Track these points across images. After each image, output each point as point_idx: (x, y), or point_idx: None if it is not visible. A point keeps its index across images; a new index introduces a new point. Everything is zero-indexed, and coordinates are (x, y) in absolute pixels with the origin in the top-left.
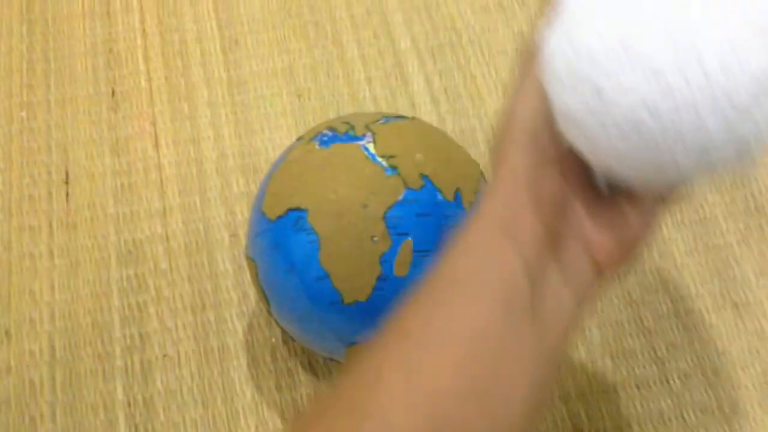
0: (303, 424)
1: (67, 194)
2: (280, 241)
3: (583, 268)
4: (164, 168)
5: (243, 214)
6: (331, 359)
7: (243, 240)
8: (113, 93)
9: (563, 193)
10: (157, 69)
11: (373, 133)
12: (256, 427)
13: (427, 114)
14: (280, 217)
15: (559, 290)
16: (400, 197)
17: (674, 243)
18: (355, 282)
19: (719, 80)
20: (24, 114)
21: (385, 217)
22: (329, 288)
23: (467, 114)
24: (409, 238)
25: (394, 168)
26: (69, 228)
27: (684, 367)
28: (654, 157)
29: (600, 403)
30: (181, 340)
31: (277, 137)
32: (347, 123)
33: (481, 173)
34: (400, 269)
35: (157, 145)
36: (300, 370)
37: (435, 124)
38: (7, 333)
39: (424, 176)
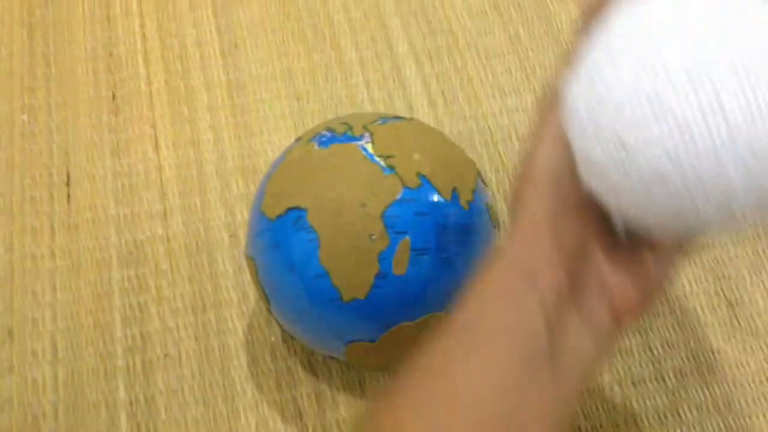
0: None
1: (69, 196)
2: (280, 240)
3: (602, 315)
4: (164, 170)
5: (242, 215)
6: (331, 357)
7: (243, 240)
8: (114, 96)
9: (584, 239)
10: (157, 73)
11: (371, 134)
12: (257, 425)
13: (424, 116)
14: (279, 217)
15: (578, 337)
16: (398, 196)
17: None
18: (353, 280)
19: (741, 130)
20: (25, 117)
21: (383, 216)
22: (328, 286)
23: (464, 116)
24: (407, 237)
25: (391, 168)
26: (70, 229)
27: (679, 365)
28: (675, 206)
29: (597, 400)
30: (182, 339)
31: (276, 139)
32: (345, 124)
33: (478, 173)
34: (398, 267)
35: (157, 148)
36: (299, 368)
37: (432, 126)
38: (10, 333)
39: (421, 176)
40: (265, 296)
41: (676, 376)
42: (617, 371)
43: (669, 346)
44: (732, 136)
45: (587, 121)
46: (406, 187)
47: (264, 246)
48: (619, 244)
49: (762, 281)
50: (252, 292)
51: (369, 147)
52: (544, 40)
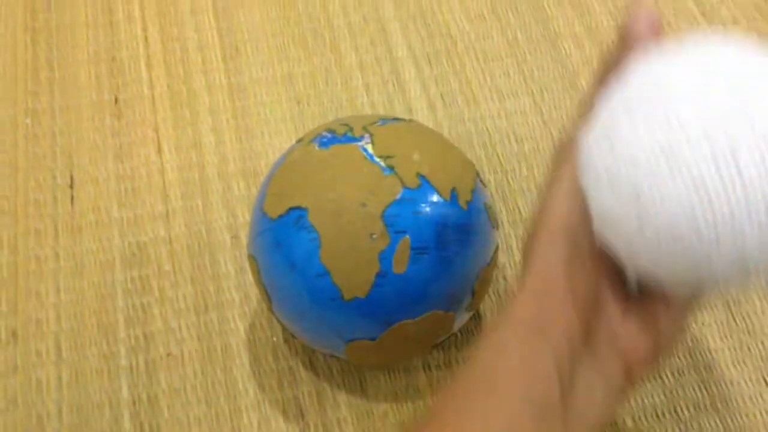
0: None
1: (72, 198)
2: (281, 239)
3: (614, 366)
4: (167, 173)
5: (244, 216)
6: (332, 356)
7: (244, 242)
8: (116, 100)
9: (597, 290)
10: (160, 77)
11: (371, 135)
12: (259, 424)
13: (424, 119)
14: (281, 216)
15: (590, 388)
16: (398, 196)
17: None
18: (354, 279)
19: (756, 187)
20: (29, 121)
21: (383, 216)
22: (329, 285)
23: (463, 118)
24: (407, 236)
25: (391, 168)
26: (74, 231)
27: (677, 364)
28: (689, 261)
29: None
30: (185, 339)
31: (277, 142)
32: (346, 125)
33: (477, 174)
34: (398, 266)
35: (159, 151)
36: (301, 368)
37: (432, 128)
38: (14, 333)
39: (421, 176)
40: (266, 295)
41: (673, 375)
42: None
43: None
44: (747, 193)
45: (602, 174)
46: (405, 187)
47: (265, 245)
48: (631, 296)
49: None
50: (253, 292)
51: (369, 148)
52: (541, 44)
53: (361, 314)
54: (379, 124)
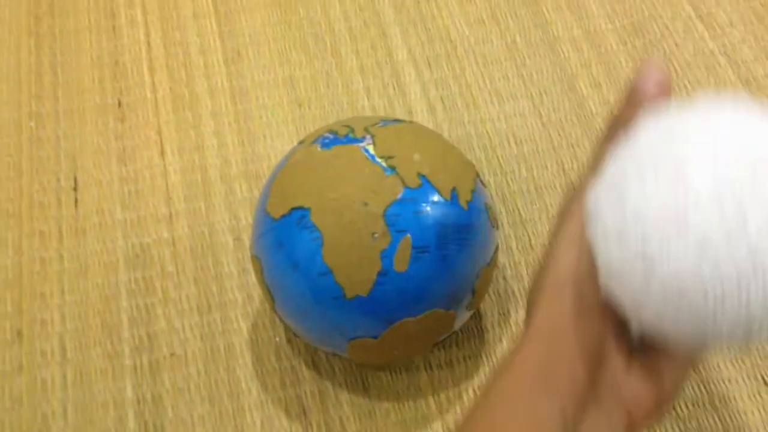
0: None
1: (76, 201)
2: (284, 239)
3: (618, 418)
4: (170, 175)
5: (246, 218)
6: (334, 355)
7: (246, 243)
8: (119, 104)
9: (602, 342)
10: (162, 80)
11: (373, 136)
12: (262, 423)
13: (424, 121)
14: (284, 216)
15: None
16: (399, 196)
17: None
18: (356, 277)
19: (762, 250)
20: (33, 124)
21: (384, 215)
22: (332, 283)
23: (463, 121)
24: (408, 235)
25: (392, 168)
26: (78, 233)
27: None
28: (693, 320)
29: None
30: (188, 339)
31: (278, 144)
32: (347, 126)
33: (477, 174)
34: (399, 265)
35: (162, 153)
36: (303, 367)
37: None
38: (19, 334)
39: (421, 176)
40: (269, 295)
41: None
42: None
43: None
44: (753, 255)
45: (610, 228)
46: (406, 187)
47: (268, 245)
48: (635, 349)
49: None
50: (256, 293)
51: (370, 148)
52: (540, 48)
53: (363, 312)
54: (380, 125)
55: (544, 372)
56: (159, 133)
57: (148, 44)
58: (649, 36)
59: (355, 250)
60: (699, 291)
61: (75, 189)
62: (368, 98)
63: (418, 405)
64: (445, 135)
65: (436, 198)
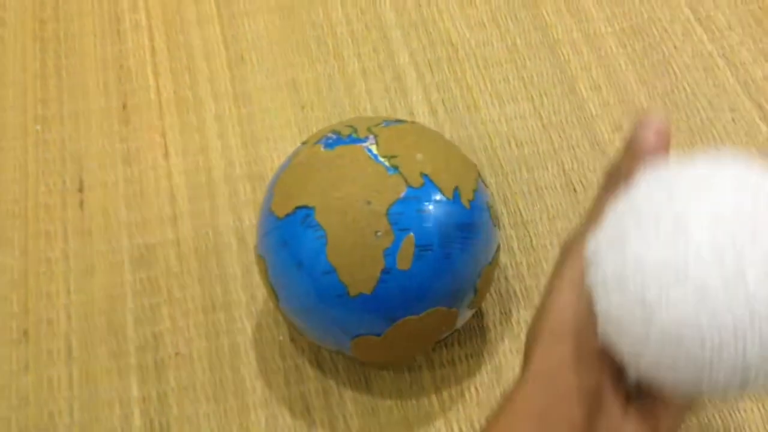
0: None
1: (81, 202)
2: (288, 238)
3: None
4: (174, 177)
5: (250, 219)
6: (337, 354)
7: (250, 244)
8: (124, 106)
9: (599, 386)
10: (166, 84)
11: (376, 136)
12: (266, 421)
13: (425, 124)
14: (288, 216)
15: None
16: (402, 195)
17: None
18: (360, 275)
19: (760, 301)
20: (39, 127)
21: (388, 214)
22: (336, 281)
23: (464, 124)
24: (411, 234)
25: (395, 167)
26: (84, 234)
27: None
28: (690, 368)
29: None
30: (193, 338)
31: (281, 147)
32: (350, 126)
33: (478, 174)
34: (402, 263)
35: (167, 156)
36: (307, 366)
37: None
38: (26, 333)
39: (424, 175)
40: (273, 293)
41: None
42: None
43: None
44: (751, 306)
45: (610, 276)
46: (409, 186)
47: (273, 244)
48: (632, 394)
49: None
50: (260, 292)
51: (373, 148)
52: (540, 50)
53: (366, 310)
54: (383, 125)
55: (543, 415)
56: (163, 135)
57: (153, 48)
58: (649, 39)
59: (359, 248)
60: (696, 339)
61: (80, 190)
62: (370, 101)
63: (421, 403)
64: (446, 136)
65: (438, 197)
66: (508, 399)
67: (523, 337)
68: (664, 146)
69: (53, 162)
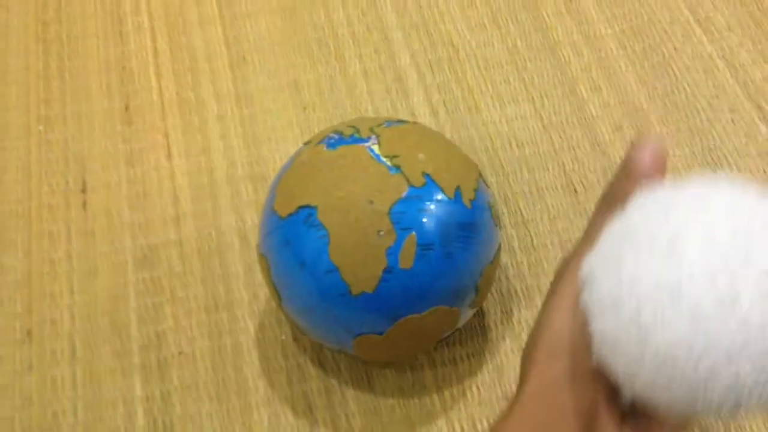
0: None
1: (85, 203)
2: (291, 237)
3: None
4: (177, 177)
5: (252, 220)
6: (339, 353)
7: (253, 244)
8: (127, 108)
9: (594, 405)
10: (169, 85)
11: (378, 136)
12: (269, 419)
13: (426, 124)
14: (290, 215)
15: None
16: (404, 194)
17: None
18: (362, 274)
19: (752, 323)
20: (42, 128)
21: (390, 213)
22: (338, 280)
23: (465, 124)
24: (413, 233)
25: (397, 167)
26: (87, 235)
27: None
28: (684, 389)
29: None
30: (196, 338)
31: (283, 147)
32: (353, 126)
33: (480, 174)
34: (404, 262)
35: (169, 156)
36: (309, 365)
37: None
38: (29, 333)
39: (426, 175)
40: (276, 293)
41: None
42: None
43: None
44: (744, 327)
45: (605, 297)
46: (411, 185)
47: (276, 244)
48: (627, 414)
49: None
50: (262, 292)
51: (375, 148)
52: (541, 52)
53: (368, 309)
54: (384, 125)
55: (538, 429)
56: (166, 136)
57: (155, 49)
58: (648, 40)
59: (361, 247)
60: (690, 361)
61: (83, 191)
62: (372, 102)
63: (423, 402)
64: (448, 137)
65: (440, 196)
66: (503, 418)
67: (524, 336)
68: (659, 168)
69: (56, 163)
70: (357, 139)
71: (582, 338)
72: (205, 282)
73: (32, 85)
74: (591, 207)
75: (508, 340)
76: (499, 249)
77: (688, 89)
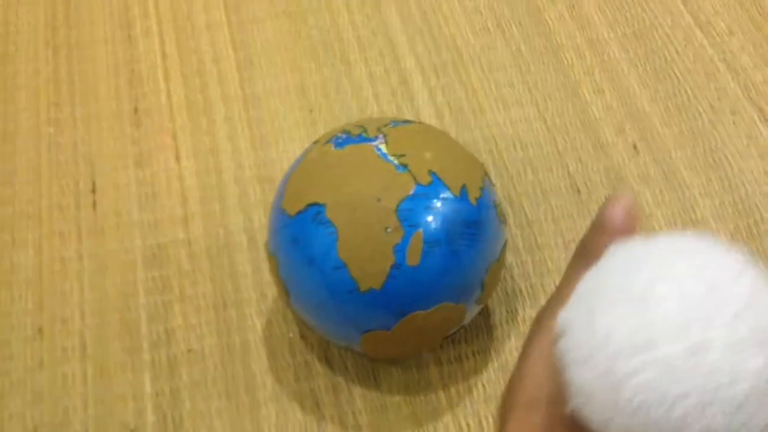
0: None
1: (94, 203)
2: (299, 235)
3: None
4: (185, 178)
5: (260, 220)
6: (347, 349)
7: (260, 244)
8: (136, 110)
9: None
10: (177, 87)
11: (385, 135)
12: (277, 415)
13: None
14: (299, 213)
15: None
16: (411, 192)
17: None
18: (370, 270)
19: (724, 374)
20: (52, 130)
21: (397, 210)
22: (346, 277)
23: (469, 126)
24: (420, 230)
25: (404, 166)
26: (97, 234)
27: None
28: None
29: None
30: (205, 335)
31: (290, 149)
32: (360, 126)
33: (485, 172)
34: (412, 258)
35: (178, 158)
36: (316, 362)
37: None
38: (40, 330)
39: (432, 173)
40: (284, 290)
41: None
42: None
43: None
44: (715, 377)
45: (579, 349)
46: (418, 183)
47: (284, 241)
48: None
49: None
50: (270, 291)
51: (383, 147)
52: (544, 55)
53: (376, 305)
54: (391, 125)
55: None
56: (174, 138)
57: (163, 53)
58: (651, 44)
59: (369, 244)
60: (663, 408)
61: (93, 192)
62: (377, 104)
63: (429, 399)
64: None
65: (446, 194)
66: None
67: None
68: (631, 224)
69: (66, 164)
70: (364, 139)
71: (558, 388)
72: (213, 280)
73: (42, 89)
74: (594, 207)
75: (513, 338)
76: (504, 246)
77: (689, 92)
